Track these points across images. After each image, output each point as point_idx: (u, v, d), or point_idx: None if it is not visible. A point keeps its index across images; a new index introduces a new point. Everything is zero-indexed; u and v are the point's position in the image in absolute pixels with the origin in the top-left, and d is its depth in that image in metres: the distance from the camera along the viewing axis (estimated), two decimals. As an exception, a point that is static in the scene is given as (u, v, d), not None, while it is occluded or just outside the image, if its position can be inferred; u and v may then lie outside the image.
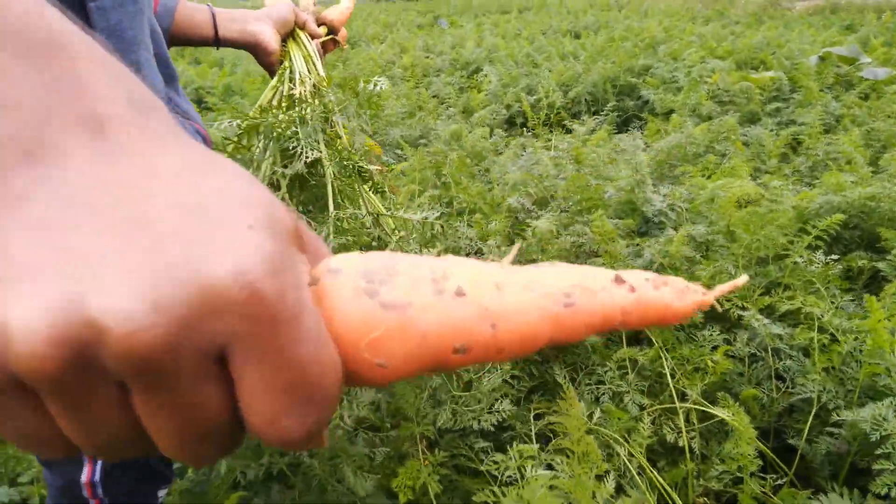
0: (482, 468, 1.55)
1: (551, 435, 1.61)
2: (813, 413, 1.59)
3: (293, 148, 0.94)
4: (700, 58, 5.41)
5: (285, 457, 1.64)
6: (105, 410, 0.26)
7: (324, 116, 0.98)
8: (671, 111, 4.59)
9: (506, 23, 10.83)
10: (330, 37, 1.23)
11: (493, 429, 1.73)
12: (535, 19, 11.32)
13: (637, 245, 2.17)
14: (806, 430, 1.59)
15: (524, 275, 0.32)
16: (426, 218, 1.19)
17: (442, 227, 1.18)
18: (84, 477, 0.99)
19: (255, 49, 1.10)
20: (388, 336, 0.28)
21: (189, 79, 6.33)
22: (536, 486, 1.10)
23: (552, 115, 4.89)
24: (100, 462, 0.98)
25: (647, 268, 2.07)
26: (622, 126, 4.83)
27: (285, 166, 0.94)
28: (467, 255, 2.26)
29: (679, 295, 0.34)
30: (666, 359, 1.73)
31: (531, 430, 1.61)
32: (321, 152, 0.94)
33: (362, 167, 1.03)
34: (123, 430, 0.27)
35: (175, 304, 0.23)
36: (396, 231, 1.07)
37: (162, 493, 1.11)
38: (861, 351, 1.58)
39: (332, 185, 0.96)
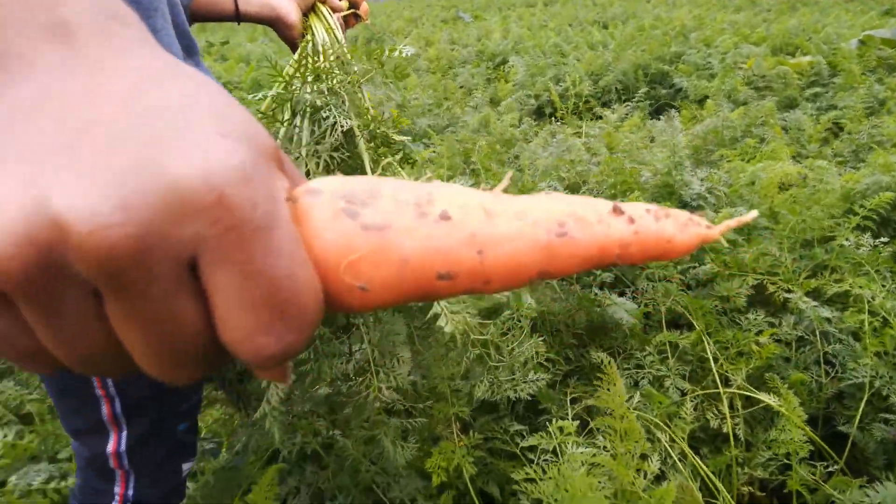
0: (517, 451, 1.51)
1: (588, 419, 1.56)
2: (865, 399, 1.52)
3: (325, 118, 0.91)
4: (733, 44, 5.28)
5: (318, 437, 1.62)
6: (78, 318, 0.25)
7: (350, 87, 0.96)
8: (705, 98, 4.48)
9: (531, 16, 10.72)
10: (351, 10, 1.21)
11: (528, 413, 1.69)
12: (561, 11, 11.19)
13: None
14: (858, 417, 1.52)
15: (516, 203, 0.30)
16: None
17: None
18: (110, 447, 0.98)
19: (275, 23, 1.09)
20: (368, 259, 0.27)
21: (217, 74, 6.38)
22: (575, 462, 1.06)
23: (581, 104, 4.81)
24: (125, 432, 0.97)
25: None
26: (654, 115, 4.74)
27: (318, 142, 0.92)
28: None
29: (681, 227, 0.32)
30: (708, 343, 1.67)
31: (567, 414, 1.57)
32: (352, 122, 0.92)
33: (392, 137, 1.00)
34: (100, 342, 0.26)
35: (142, 202, 0.22)
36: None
37: (187, 466, 1.10)
38: (917, 334, 1.50)
39: (368, 156, 0.94)
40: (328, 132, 0.92)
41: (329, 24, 1.07)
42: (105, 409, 0.95)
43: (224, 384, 1.26)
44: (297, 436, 1.64)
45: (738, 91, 4.26)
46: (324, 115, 0.93)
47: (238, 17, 1.10)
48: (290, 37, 1.10)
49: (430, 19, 12.13)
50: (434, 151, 3.08)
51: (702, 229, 0.32)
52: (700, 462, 1.49)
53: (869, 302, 1.63)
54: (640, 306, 1.79)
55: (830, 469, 1.45)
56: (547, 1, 15.02)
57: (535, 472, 1.08)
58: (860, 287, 1.63)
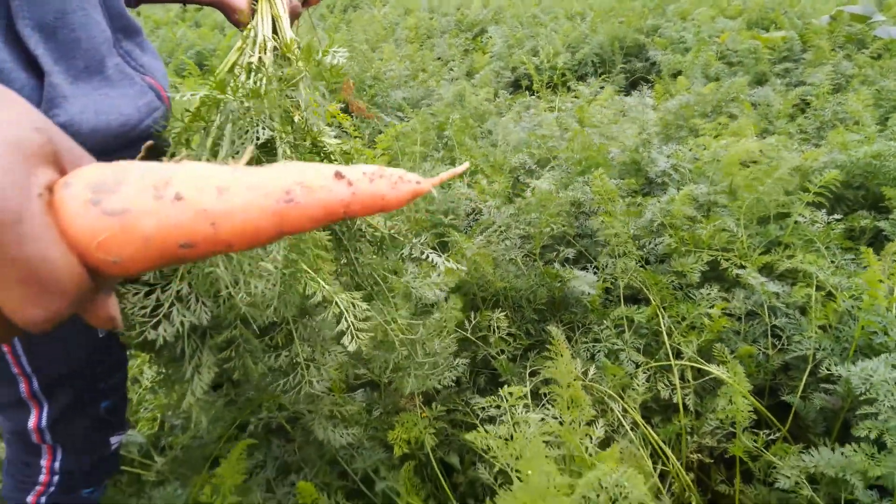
0: (477, 422, 1.57)
1: (547, 392, 1.62)
2: (808, 370, 1.59)
3: (246, 126, 0.93)
4: (710, 17, 5.29)
5: (284, 411, 1.66)
6: None
7: (279, 89, 0.96)
8: (679, 72, 4.50)
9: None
10: None
11: (490, 385, 1.75)
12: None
13: (639, 205, 2.15)
14: (801, 387, 1.59)
15: (250, 177, 0.36)
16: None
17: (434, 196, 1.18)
18: (31, 422, 1.02)
19: (222, 7, 1.10)
20: (113, 238, 0.33)
21: (190, 42, 6.26)
22: (526, 427, 1.12)
23: (556, 77, 4.81)
24: (46, 408, 1.01)
25: (647, 226, 2.06)
26: (630, 88, 4.75)
27: (236, 152, 0.93)
28: (467, 215, 2.25)
29: (392, 185, 0.38)
30: (663, 317, 1.74)
31: (526, 387, 1.63)
32: (273, 131, 0.93)
33: (319, 142, 1.01)
34: None
35: None
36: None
37: (116, 439, 1.15)
38: (859, 308, 1.57)
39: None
40: (249, 140, 0.93)
41: (277, 11, 1.07)
42: (23, 387, 0.98)
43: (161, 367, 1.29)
44: (262, 410, 1.69)
45: (710, 66, 4.29)
46: (244, 123, 0.94)
47: (184, 0, 1.10)
48: (236, 21, 1.10)
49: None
50: (407, 125, 3.09)
51: (412, 185, 0.39)
52: (651, 431, 1.56)
53: (815, 277, 1.69)
54: (600, 281, 1.84)
55: (773, 437, 1.53)
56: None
57: (487, 433, 1.14)
58: (809, 263, 1.69)
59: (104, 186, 0.34)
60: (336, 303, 1.13)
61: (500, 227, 1.85)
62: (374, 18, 6.81)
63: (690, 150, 2.56)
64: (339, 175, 0.37)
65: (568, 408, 1.25)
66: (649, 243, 1.96)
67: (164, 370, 1.36)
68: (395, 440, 1.50)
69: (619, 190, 2.10)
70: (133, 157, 0.95)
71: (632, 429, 1.54)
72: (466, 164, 0.46)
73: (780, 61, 4.29)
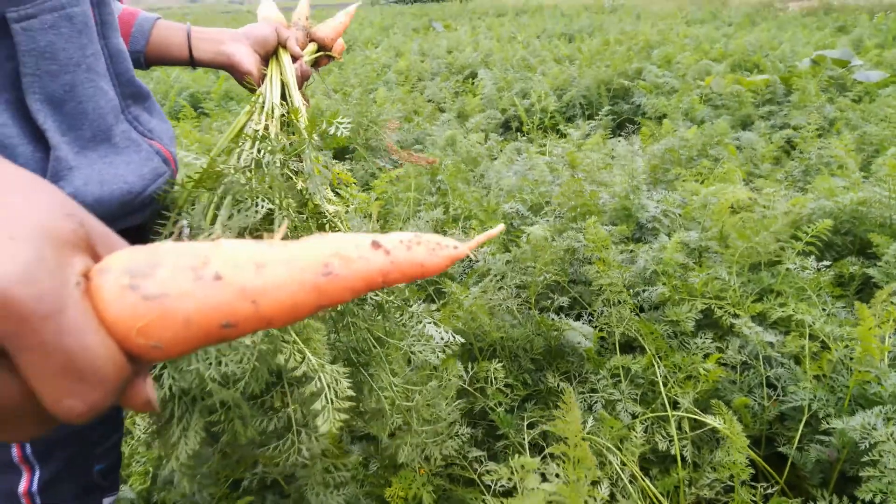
0: (476, 477, 1.56)
1: (543, 444, 1.61)
2: (804, 421, 1.60)
3: (247, 196, 0.94)
4: (694, 60, 5.43)
5: (279, 467, 1.64)
6: None
7: (283, 160, 0.98)
8: (662, 116, 4.61)
9: (500, 26, 10.85)
10: (321, 53, 1.21)
11: (487, 437, 1.74)
12: (530, 22, 11.34)
13: (631, 251, 2.18)
14: (797, 438, 1.60)
15: (287, 251, 0.36)
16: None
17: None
18: (22, 486, 0.99)
19: (230, 70, 1.10)
20: (154, 323, 0.32)
21: (185, 84, 6.33)
22: (536, 498, 1.11)
23: (546, 120, 4.90)
24: (38, 472, 0.99)
25: (640, 274, 2.08)
26: (616, 130, 4.85)
27: (230, 217, 0.95)
28: (462, 261, 2.27)
29: (430, 252, 0.38)
30: (658, 367, 1.74)
31: (524, 440, 1.62)
32: (274, 204, 0.94)
33: (320, 212, 1.02)
34: None
35: None
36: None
37: (108, 500, 1.12)
38: (851, 358, 1.59)
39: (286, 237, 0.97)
40: (244, 210, 0.95)
41: (286, 77, 1.09)
42: (15, 451, 0.96)
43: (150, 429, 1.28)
44: (259, 465, 1.66)
45: (695, 109, 4.39)
46: (243, 197, 0.96)
47: (193, 62, 1.10)
48: (246, 85, 1.10)
49: (402, 28, 12.17)
50: (401, 169, 3.12)
51: (450, 251, 0.39)
52: (649, 484, 1.56)
53: (809, 326, 1.71)
54: (596, 329, 1.85)
55: (771, 490, 1.52)
56: (518, 10, 15.19)
57: (491, 502, 1.13)
58: (802, 312, 1.71)
59: (141, 271, 0.33)
60: (319, 378, 1.12)
61: (496, 275, 1.87)
62: (367, 60, 6.93)
63: (680, 195, 2.61)
64: (375, 244, 0.37)
65: (574, 467, 1.24)
66: (643, 291, 1.98)
67: (154, 427, 1.35)
68: (392, 498, 1.49)
69: (612, 237, 2.13)
70: (137, 223, 0.95)
71: (630, 482, 1.54)
72: (501, 227, 0.47)
73: (764, 104, 4.40)
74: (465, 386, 1.70)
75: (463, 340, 1.48)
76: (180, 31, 1.08)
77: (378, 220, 2.59)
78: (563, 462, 1.30)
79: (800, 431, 1.60)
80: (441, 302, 1.95)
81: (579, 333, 1.70)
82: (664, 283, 1.96)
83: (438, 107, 5.37)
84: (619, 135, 4.59)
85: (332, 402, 1.10)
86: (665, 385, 1.71)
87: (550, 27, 9.93)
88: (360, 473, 1.58)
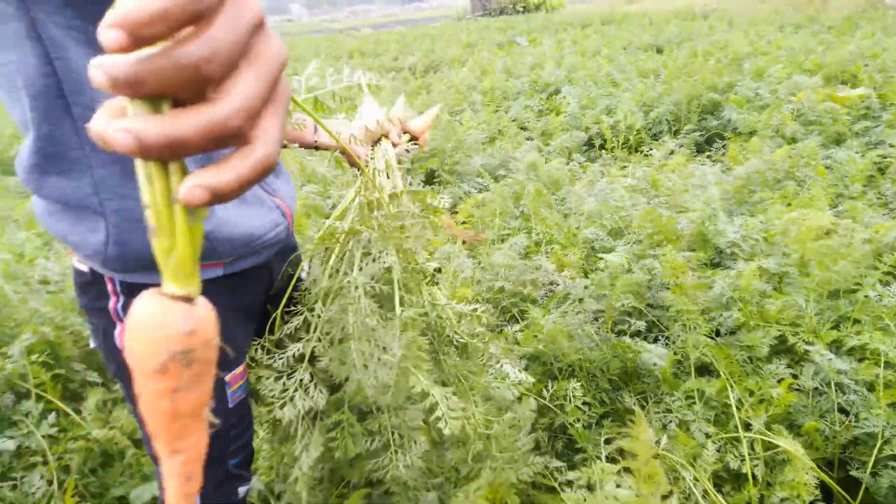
0: (556, 484, 1.72)
1: (619, 458, 1.76)
2: (877, 447, 1.66)
3: (370, 253, 1.18)
4: (787, 74, 5.32)
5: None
6: None
7: (397, 225, 1.22)
8: (752, 133, 4.56)
9: (585, 38, 10.88)
10: (412, 142, 1.46)
11: (567, 450, 1.90)
12: (616, 34, 11.29)
13: (708, 277, 2.27)
14: (870, 464, 1.66)
15: None
16: (475, 310, 1.40)
17: (487, 318, 1.41)
18: None
19: (345, 153, 1.33)
20: None
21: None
22: (610, 500, 1.27)
23: (632, 137, 4.96)
24: None
25: (717, 300, 2.17)
26: (705, 145, 4.84)
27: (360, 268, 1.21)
28: (544, 286, 2.43)
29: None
30: (732, 390, 1.84)
31: (601, 453, 1.77)
32: (393, 257, 1.18)
33: (426, 272, 1.26)
34: None
35: None
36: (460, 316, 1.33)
37: (243, 489, 1.34)
38: (926, 388, 1.63)
39: (399, 287, 1.20)
40: (373, 261, 1.20)
41: (388, 160, 1.34)
42: None
43: (273, 441, 1.53)
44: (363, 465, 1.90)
45: (785, 126, 4.33)
46: (370, 251, 1.21)
47: (316, 146, 1.38)
48: (355, 165, 1.34)
49: (487, 44, 12.42)
50: (485, 195, 3.32)
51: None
52: (721, 499, 1.67)
53: (885, 355, 1.76)
54: (671, 353, 1.97)
55: (842, 511, 1.60)
56: (604, 20, 15.10)
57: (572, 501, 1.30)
58: (877, 342, 1.77)
59: None
60: (432, 394, 1.34)
61: (574, 300, 2.03)
62: (451, 83, 7.20)
63: (762, 220, 2.66)
64: None
65: (645, 482, 1.39)
66: (719, 316, 2.08)
67: (276, 445, 1.62)
68: (480, 499, 1.68)
69: (689, 263, 2.23)
70: (258, 264, 1.22)
71: (703, 497, 1.65)
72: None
73: (859, 119, 4.28)
74: (546, 402, 1.87)
75: (533, 380, 1.66)
76: (308, 121, 1.34)
77: (465, 246, 2.80)
78: (636, 476, 1.45)
79: (873, 457, 1.66)
80: (524, 323, 2.13)
81: (654, 355, 1.83)
82: (740, 310, 2.05)
83: (522, 126, 5.54)
84: (708, 152, 4.59)
85: (446, 413, 1.31)
86: (738, 408, 1.81)
87: (637, 38, 9.87)
88: (452, 476, 1.78)
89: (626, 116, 5.05)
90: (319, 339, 1.30)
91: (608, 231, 2.70)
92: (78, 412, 2.17)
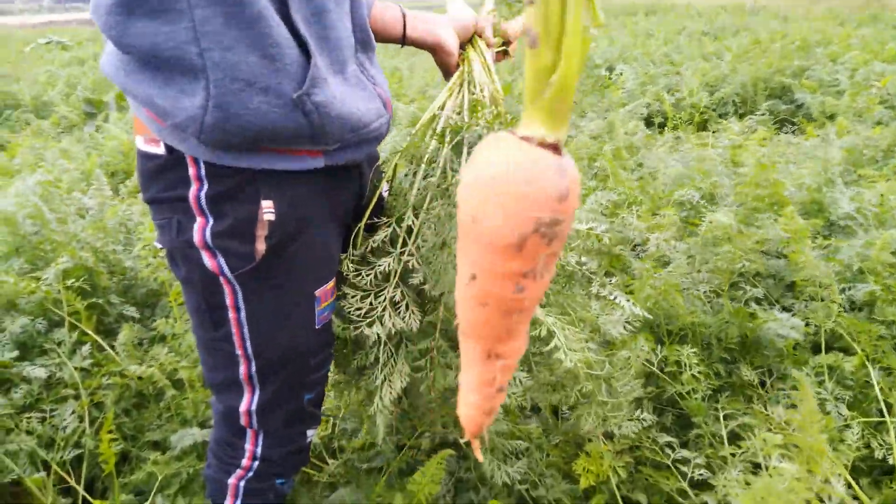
0: (668, 462, 1.47)
1: (745, 436, 1.50)
2: None
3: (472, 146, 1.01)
4: (864, 61, 4.99)
5: (458, 427, 1.64)
6: None
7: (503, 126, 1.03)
8: (830, 116, 4.26)
9: (633, 24, 10.51)
10: (503, 48, 1.27)
11: (675, 425, 1.65)
12: (664, 20, 10.91)
13: (827, 247, 2.01)
14: None
15: None
16: (591, 229, 1.17)
17: (609, 238, 1.17)
18: (243, 405, 1.04)
19: (435, 49, 1.16)
20: None
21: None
22: (776, 478, 1.02)
23: (697, 115, 4.67)
24: (258, 393, 1.03)
25: (842, 272, 1.90)
26: (777, 128, 4.54)
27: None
28: (634, 247, 2.18)
29: None
30: (873, 368, 1.58)
31: (721, 430, 1.52)
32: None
33: None
34: None
35: None
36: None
37: (311, 432, 1.16)
38: None
39: None
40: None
41: (485, 60, 1.14)
42: (242, 369, 1.00)
43: (346, 369, 1.31)
44: (437, 425, 1.67)
45: (870, 110, 4.02)
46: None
47: (404, 40, 1.16)
48: (447, 63, 1.17)
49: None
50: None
51: None
52: (862, 493, 1.41)
53: None
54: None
55: None
56: (648, 10, 14.68)
57: (729, 481, 1.05)
58: None
59: None
60: (544, 322, 1.11)
61: (687, 258, 1.77)
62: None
63: (874, 193, 2.38)
64: None
65: (807, 462, 1.14)
66: (849, 288, 1.81)
67: (346, 374, 1.38)
68: (581, 471, 1.43)
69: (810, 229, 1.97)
70: (360, 157, 1.01)
71: (846, 489, 1.40)
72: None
73: (953, 108, 3.96)
74: (654, 369, 1.62)
75: (651, 317, 1.41)
76: (396, 10, 1.15)
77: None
78: (797, 454, 1.20)
79: None
80: (628, 279, 1.87)
81: (785, 325, 1.57)
82: (875, 282, 1.78)
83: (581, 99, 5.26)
84: (780, 134, 4.29)
85: (564, 344, 1.08)
86: (881, 389, 1.54)
87: (690, 26, 9.50)
88: (543, 442, 1.54)
89: (690, 93, 4.75)
90: (412, 253, 1.08)
91: (702, 196, 2.43)
92: (113, 348, 1.96)
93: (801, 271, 1.75)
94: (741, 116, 4.76)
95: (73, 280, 2.00)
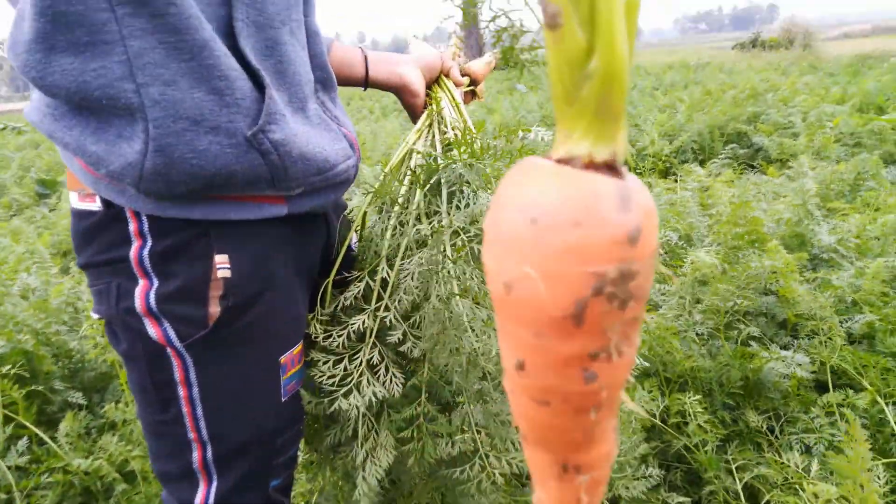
0: (684, 527, 1.32)
1: (762, 490, 1.37)
2: None
3: (458, 190, 0.94)
4: (814, 103, 5.16)
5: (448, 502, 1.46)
6: None
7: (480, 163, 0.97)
8: (787, 158, 4.34)
9: (587, 84, 10.83)
10: (470, 87, 1.22)
11: (685, 484, 1.50)
12: (616, 80, 11.30)
13: (815, 280, 1.94)
14: None
15: None
16: None
17: None
18: (198, 499, 0.88)
19: (400, 90, 1.10)
20: None
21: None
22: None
23: (659, 164, 4.71)
24: (215, 484, 0.87)
25: (834, 306, 1.83)
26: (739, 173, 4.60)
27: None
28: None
29: None
30: (887, 405, 1.48)
31: (734, 484, 1.38)
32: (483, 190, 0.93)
33: None
34: None
35: None
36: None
37: None
38: None
39: None
40: (461, 202, 0.92)
41: (454, 98, 1.08)
42: (197, 456, 0.85)
43: (318, 449, 1.15)
44: (424, 502, 1.49)
45: (827, 149, 4.10)
46: (460, 188, 0.94)
47: (366, 82, 1.10)
48: (414, 105, 1.11)
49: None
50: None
51: None
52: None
53: None
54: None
55: None
56: (598, 72, 15.23)
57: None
58: None
59: None
60: None
61: (679, 300, 1.67)
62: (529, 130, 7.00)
63: (853, 225, 2.35)
64: None
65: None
66: (846, 321, 1.73)
67: (318, 453, 1.22)
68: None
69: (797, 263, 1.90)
70: (326, 204, 0.89)
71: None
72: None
73: (904, 142, 4.07)
74: (656, 421, 1.49)
75: (647, 364, 1.29)
76: (356, 51, 1.09)
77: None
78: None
79: None
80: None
81: (792, 363, 1.47)
82: (871, 312, 1.70)
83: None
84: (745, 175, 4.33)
85: None
86: (899, 427, 1.44)
87: (640, 82, 9.84)
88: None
89: (652, 143, 4.81)
90: (388, 308, 0.96)
91: (679, 237, 2.37)
92: (55, 440, 1.74)
93: (795, 306, 1.66)
94: (701, 163, 4.82)
95: (10, 366, 1.80)
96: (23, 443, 1.67)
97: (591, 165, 0.26)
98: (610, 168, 0.27)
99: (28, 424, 1.75)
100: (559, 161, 0.27)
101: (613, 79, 0.25)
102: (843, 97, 5.56)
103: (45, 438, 1.74)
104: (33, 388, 1.86)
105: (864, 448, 1.00)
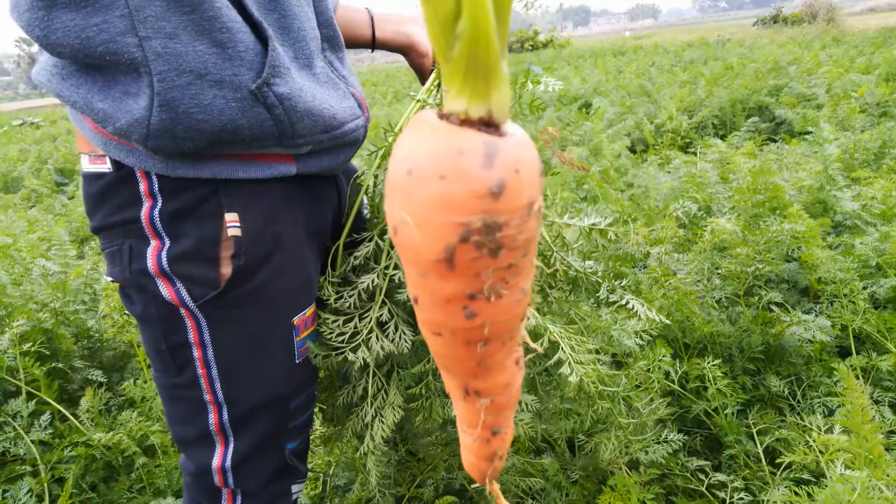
0: (702, 489, 1.30)
1: (784, 453, 1.34)
2: None
3: None
4: (838, 74, 5.02)
5: (463, 471, 1.46)
6: None
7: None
8: (810, 131, 4.23)
9: (603, 63, 10.70)
10: None
11: (704, 449, 1.48)
12: (634, 58, 11.14)
13: (838, 246, 1.88)
14: None
15: None
16: (595, 224, 1.05)
17: (616, 234, 1.04)
18: (215, 461, 0.88)
19: (408, 50, 1.08)
20: None
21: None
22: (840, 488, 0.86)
23: (678, 139, 4.63)
24: (231, 446, 0.88)
25: (858, 270, 1.78)
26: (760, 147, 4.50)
27: None
28: (634, 263, 2.06)
29: None
30: (913, 367, 1.44)
31: (756, 448, 1.35)
32: None
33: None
34: None
35: None
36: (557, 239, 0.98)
37: (297, 488, 1.00)
38: None
39: None
40: None
41: None
42: (213, 418, 0.85)
43: (333, 413, 1.14)
44: (440, 470, 1.49)
45: (851, 119, 3.99)
46: None
47: (374, 43, 1.07)
48: (422, 65, 1.08)
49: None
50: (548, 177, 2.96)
51: None
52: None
53: None
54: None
55: None
56: (615, 52, 15.04)
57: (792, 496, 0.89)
58: None
59: None
60: (550, 333, 0.96)
61: (699, 265, 1.63)
62: (538, 82, 6.95)
63: (876, 191, 2.28)
64: None
65: (871, 466, 0.98)
66: (870, 285, 1.68)
67: (333, 422, 1.21)
68: (607, 508, 1.26)
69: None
70: (336, 165, 0.87)
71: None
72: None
73: (934, 110, 3.95)
74: (675, 386, 1.46)
75: (668, 322, 1.27)
76: (363, 12, 1.06)
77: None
78: (853, 461, 1.04)
79: None
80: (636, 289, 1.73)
81: (813, 328, 1.43)
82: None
83: (561, 132, 5.24)
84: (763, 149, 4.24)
85: (571, 356, 0.94)
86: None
87: (659, 60, 9.68)
88: (561, 479, 1.37)
89: (670, 118, 4.73)
90: (398, 267, 0.94)
91: (699, 207, 2.32)
92: (76, 417, 1.77)
93: (817, 270, 1.62)
94: (722, 138, 4.73)
95: (31, 344, 1.82)
96: (45, 418, 1.69)
97: (467, 122, 0.28)
98: (486, 125, 0.28)
99: (50, 401, 1.78)
100: (441, 116, 0.28)
101: (479, 39, 0.26)
102: (869, 68, 5.41)
103: (67, 414, 1.76)
104: (54, 365, 1.89)
105: (861, 399, 0.97)
